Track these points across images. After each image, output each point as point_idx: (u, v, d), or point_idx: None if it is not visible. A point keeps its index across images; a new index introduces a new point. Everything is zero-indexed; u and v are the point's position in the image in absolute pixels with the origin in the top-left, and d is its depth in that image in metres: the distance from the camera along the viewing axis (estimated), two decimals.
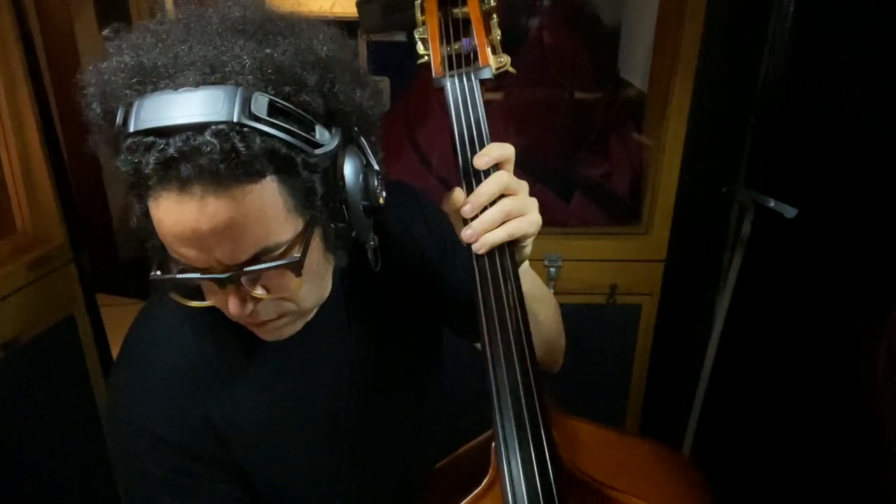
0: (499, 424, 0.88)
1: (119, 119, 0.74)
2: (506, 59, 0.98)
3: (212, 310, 0.89)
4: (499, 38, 0.98)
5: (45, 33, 3.33)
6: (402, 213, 1.11)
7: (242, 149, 0.71)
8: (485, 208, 0.88)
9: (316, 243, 0.84)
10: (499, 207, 0.88)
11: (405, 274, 1.09)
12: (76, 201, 1.97)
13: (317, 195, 0.81)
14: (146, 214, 0.78)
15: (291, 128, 0.76)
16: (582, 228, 2.22)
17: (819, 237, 1.77)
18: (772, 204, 1.80)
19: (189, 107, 0.71)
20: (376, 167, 0.88)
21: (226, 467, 0.99)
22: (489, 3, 0.99)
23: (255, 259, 0.78)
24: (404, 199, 1.14)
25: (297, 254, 0.80)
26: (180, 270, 0.80)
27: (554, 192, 2.25)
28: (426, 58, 0.99)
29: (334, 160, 0.82)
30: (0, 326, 1.74)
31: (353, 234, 0.87)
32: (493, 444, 0.90)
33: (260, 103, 0.73)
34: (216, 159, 0.70)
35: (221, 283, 0.79)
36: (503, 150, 0.91)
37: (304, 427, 1.03)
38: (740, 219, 2.00)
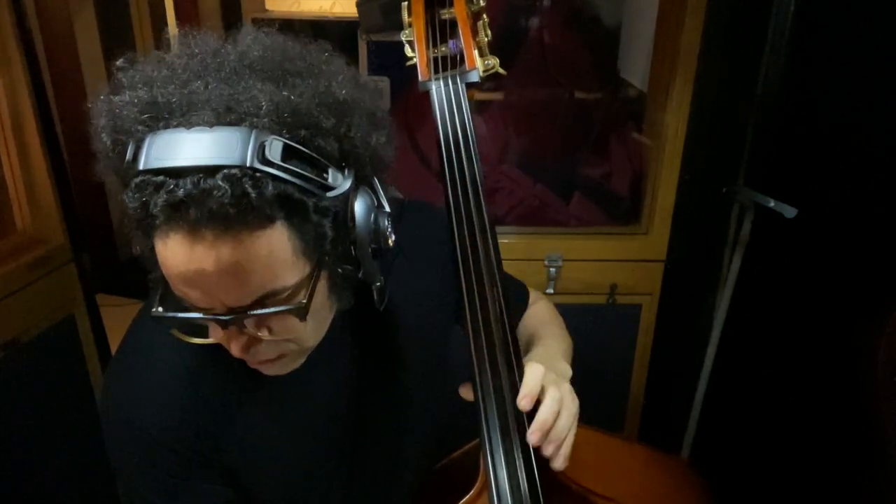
0: (485, 433, 0.88)
1: (129, 155, 0.73)
2: (494, 61, 0.98)
3: None
4: (487, 40, 0.98)
5: (45, 33, 3.34)
6: (418, 232, 1.09)
7: (254, 194, 0.70)
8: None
9: (322, 286, 0.82)
10: (559, 432, 0.90)
11: (417, 295, 1.08)
12: (76, 201, 1.97)
13: (326, 238, 0.79)
14: (150, 248, 0.76)
15: (304, 172, 0.74)
16: (582, 228, 2.21)
17: (819, 237, 1.76)
18: (772, 204, 1.79)
19: (201, 147, 0.70)
20: (387, 208, 0.87)
21: (220, 471, 0.98)
22: (477, 4, 0.98)
23: (260, 302, 0.77)
24: (420, 218, 1.12)
25: (303, 299, 0.79)
26: (183, 309, 0.79)
27: (554, 192, 2.24)
28: (414, 60, 0.99)
29: (346, 203, 0.80)
30: (0, 326, 1.74)
31: (360, 274, 0.86)
32: (481, 451, 0.91)
33: (274, 148, 0.72)
34: (226, 204, 0.69)
35: (224, 325, 0.78)
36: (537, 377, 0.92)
37: (304, 444, 1.03)
38: (740, 219, 1.99)
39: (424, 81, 0.97)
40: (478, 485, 1.00)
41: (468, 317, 0.90)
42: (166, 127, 0.72)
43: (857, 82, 1.67)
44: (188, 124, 0.71)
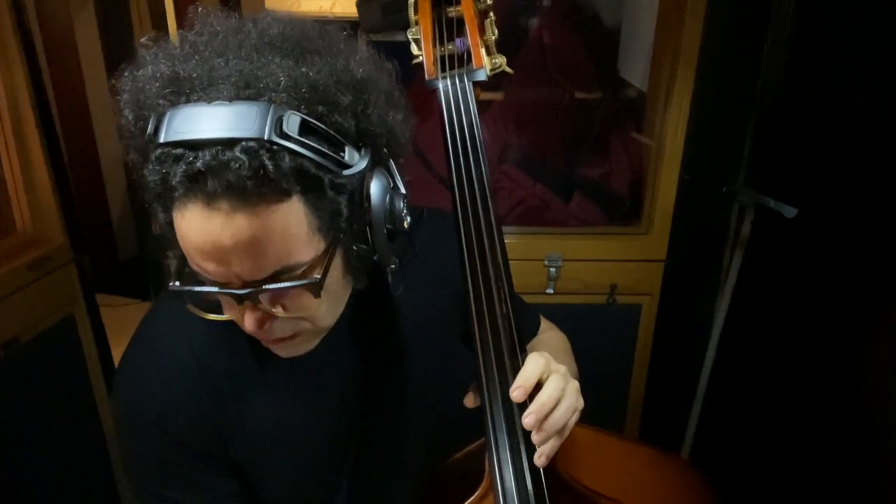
0: (491, 434, 0.88)
1: (150, 128, 0.74)
2: (501, 59, 0.98)
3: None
4: (494, 38, 0.98)
5: (45, 33, 3.33)
6: (434, 241, 1.09)
7: (271, 167, 0.71)
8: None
9: (337, 264, 0.83)
10: (556, 422, 0.86)
11: (429, 298, 1.08)
12: (76, 201, 1.97)
13: (342, 216, 0.80)
14: (169, 224, 0.77)
15: (321, 148, 0.75)
16: (582, 228, 2.21)
17: (819, 237, 1.77)
18: (772, 204, 1.79)
19: (220, 121, 0.71)
20: (403, 190, 0.87)
21: (226, 464, 0.99)
22: (484, 2, 0.98)
23: (275, 277, 0.78)
24: (437, 227, 1.11)
25: (317, 275, 0.79)
26: (199, 283, 0.80)
27: (554, 191, 2.24)
28: (420, 58, 0.99)
29: (361, 181, 0.81)
30: (0, 326, 1.74)
31: (375, 256, 0.86)
32: (487, 452, 0.90)
33: (292, 122, 0.73)
34: (244, 176, 0.70)
35: (239, 299, 0.79)
36: (536, 369, 0.89)
37: (310, 437, 1.03)
38: (740, 219, 1.99)
39: (431, 80, 0.97)
40: (483, 486, 0.99)
41: (475, 317, 0.90)
42: (187, 101, 0.73)
43: (857, 82, 1.67)
44: (208, 98, 0.72)
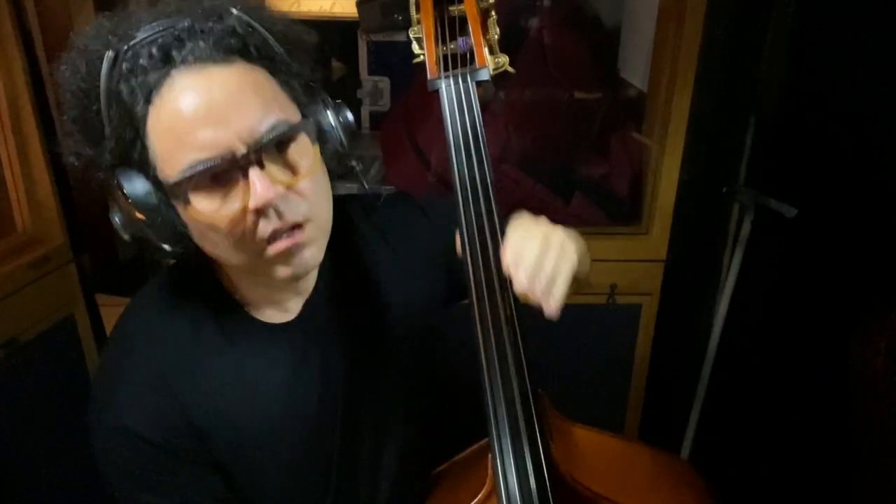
0: (495, 437, 0.87)
1: (111, 53, 0.79)
2: (503, 59, 0.97)
3: (195, 306, 0.92)
4: (497, 37, 0.97)
5: (45, 33, 3.32)
6: (403, 224, 1.11)
7: (240, 31, 0.82)
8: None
9: (316, 149, 0.88)
10: (551, 267, 0.84)
11: (405, 281, 1.09)
12: (76, 201, 1.96)
13: (303, 104, 0.90)
14: (143, 147, 0.82)
15: (282, 55, 0.87)
16: (582, 228, 2.19)
17: (819, 237, 1.77)
18: (772, 204, 1.79)
19: (191, 13, 0.82)
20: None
21: (206, 463, 0.98)
22: (486, 1, 0.97)
23: (273, 131, 0.82)
24: (403, 207, 1.14)
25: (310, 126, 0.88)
26: (202, 162, 0.80)
27: (554, 192, 2.24)
28: (422, 58, 0.98)
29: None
30: (0, 326, 1.74)
31: (340, 150, 0.93)
32: (490, 455, 0.90)
33: (254, 14, 0.85)
34: (220, 35, 0.80)
35: (245, 162, 0.80)
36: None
37: (288, 429, 1.03)
38: (740, 219, 1.99)
39: (433, 80, 0.96)
40: (486, 489, 0.99)
41: (477, 321, 0.89)
42: (139, 29, 0.81)
43: (857, 81, 1.67)
44: (167, 17, 0.82)
